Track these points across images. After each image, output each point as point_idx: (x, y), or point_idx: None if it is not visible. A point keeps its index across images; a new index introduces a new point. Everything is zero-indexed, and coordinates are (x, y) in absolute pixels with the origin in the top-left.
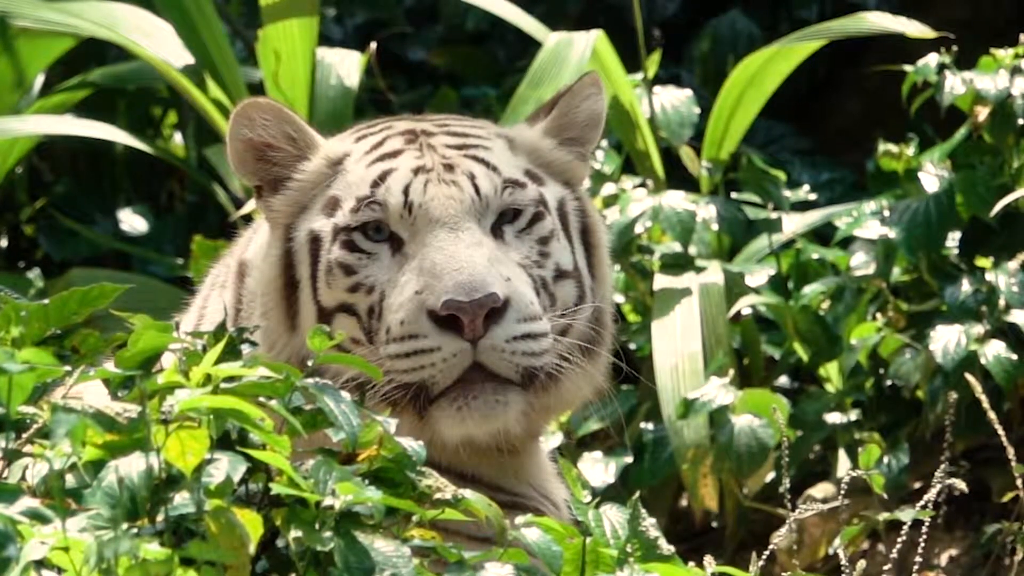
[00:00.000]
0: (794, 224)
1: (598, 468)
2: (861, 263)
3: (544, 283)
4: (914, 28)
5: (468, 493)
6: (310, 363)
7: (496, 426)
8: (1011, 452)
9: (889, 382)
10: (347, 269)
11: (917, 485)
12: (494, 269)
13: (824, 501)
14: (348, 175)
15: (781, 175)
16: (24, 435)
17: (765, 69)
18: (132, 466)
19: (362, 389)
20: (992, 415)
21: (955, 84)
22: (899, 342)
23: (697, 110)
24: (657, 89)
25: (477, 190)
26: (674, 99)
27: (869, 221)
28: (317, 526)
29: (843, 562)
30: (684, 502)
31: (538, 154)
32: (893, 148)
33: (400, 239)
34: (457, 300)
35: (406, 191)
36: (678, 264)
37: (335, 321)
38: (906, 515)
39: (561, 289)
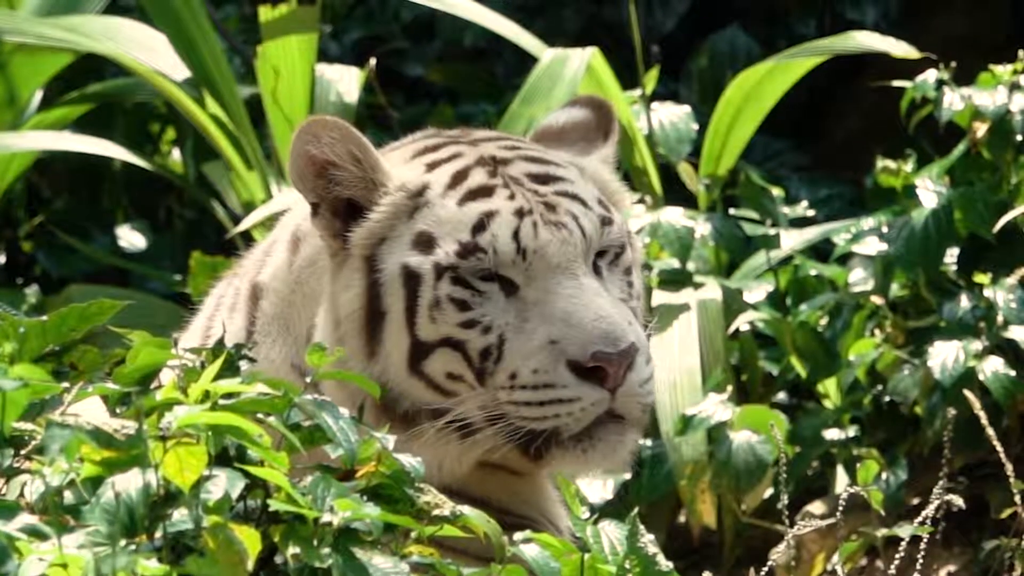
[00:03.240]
0: (792, 240)
1: (596, 484)
2: (859, 279)
3: (635, 315)
4: (900, 48)
5: (467, 509)
6: (308, 379)
7: (616, 465)
8: (1009, 468)
9: (887, 398)
10: (461, 305)
11: (915, 501)
12: (622, 316)
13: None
14: (437, 210)
15: (779, 191)
16: (22, 452)
17: (762, 85)
18: (130, 482)
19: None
20: (990, 431)
21: (954, 100)
22: (897, 358)
23: (695, 126)
24: (655, 105)
25: (583, 231)
26: (672, 115)
27: (867, 237)
28: (315, 542)
29: None
30: (682, 518)
31: (604, 184)
32: (891, 164)
33: (512, 282)
34: (605, 352)
35: (516, 237)
36: (676, 280)
37: (435, 354)
38: (904, 531)
39: (640, 319)
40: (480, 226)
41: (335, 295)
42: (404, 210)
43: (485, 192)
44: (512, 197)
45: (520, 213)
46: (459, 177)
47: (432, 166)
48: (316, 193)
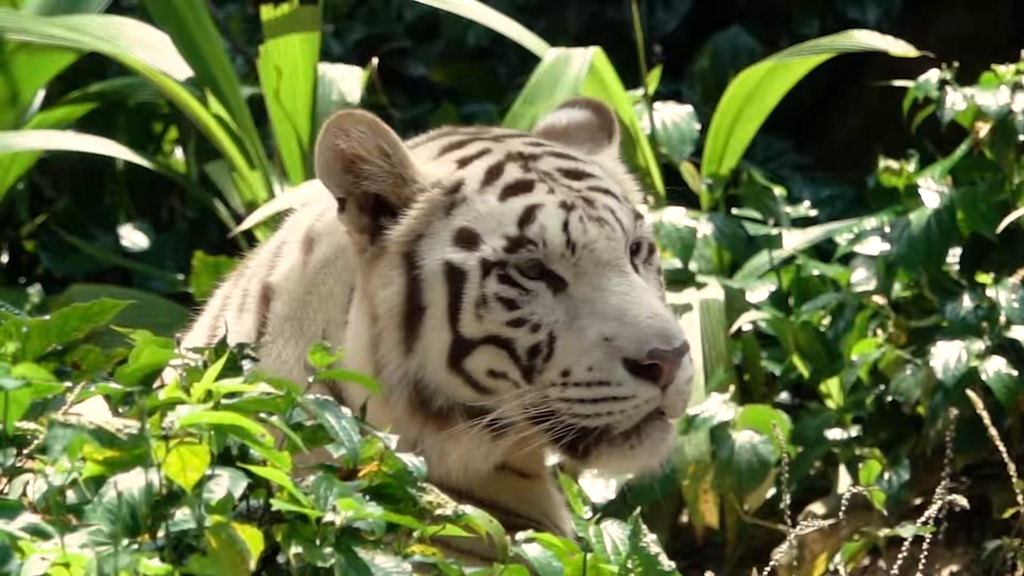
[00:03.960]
0: (795, 240)
1: (599, 484)
2: (862, 279)
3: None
4: (899, 47)
5: (469, 509)
6: (310, 379)
7: (658, 462)
8: (1012, 468)
9: (890, 398)
10: (509, 304)
11: (918, 501)
12: (669, 313)
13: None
14: (477, 206)
15: (782, 191)
16: (25, 451)
17: (763, 85)
18: (133, 482)
19: (538, 426)
20: (993, 431)
21: (956, 100)
22: (900, 358)
23: (697, 126)
24: (657, 105)
25: (622, 227)
26: (674, 115)
27: (870, 237)
28: (318, 542)
29: None
30: (685, 518)
31: (620, 181)
32: (894, 164)
33: (560, 279)
34: (662, 350)
35: (566, 229)
36: (679, 280)
37: (478, 352)
38: (907, 531)
39: None
40: (526, 218)
41: (371, 292)
42: (440, 207)
43: (525, 187)
44: (552, 191)
45: (564, 206)
46: (494, 173)
47: (463, 162)
48: (343, 188)
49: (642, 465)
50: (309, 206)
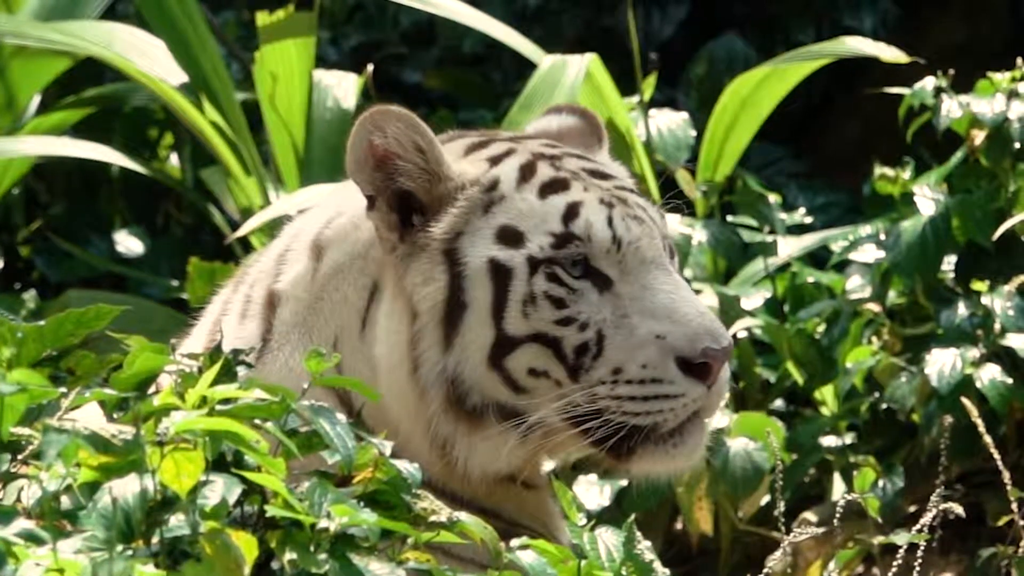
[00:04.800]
0: (790, 247)
1: (593, 491)
2: (857, 286)
3: None
4: (890, 53)
5: (463, 515)
6: (305, 385)
7: (694, 463)
8: (1006, 476)
9: (884, 406)
10: (558, 302)
11: (912, 509)
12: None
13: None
14: (517, 204)
15: (777, 198)
16: (19, 456)
17: (758, 91)
18: (127, 488)
19: (579, 426)
20: (988, 439)
21: (951, 108)
22: (895, 366)
23: (693, 133)
24: (653, 112)
25: (657, 225)
26: (670, 122)
27: (865, 245)
28: (312, 548)
29: None
30: (679, 525)
31: (630, 182)
32: (889, 172)
33: (605, 276)
34: (713, 348)
35: (610, 225)
36: None
37: (521, 350)
38: (901, 539)
39: None
40: (570, 215)
41: (407, 289)
42: (479, 204)
43: (562, 185)
44: (587, 190)
45: (604, 204)
46: (527, 171)
47: (494, 161)
48: (374, 185)
49: (681, 466)
50: (310, 213)
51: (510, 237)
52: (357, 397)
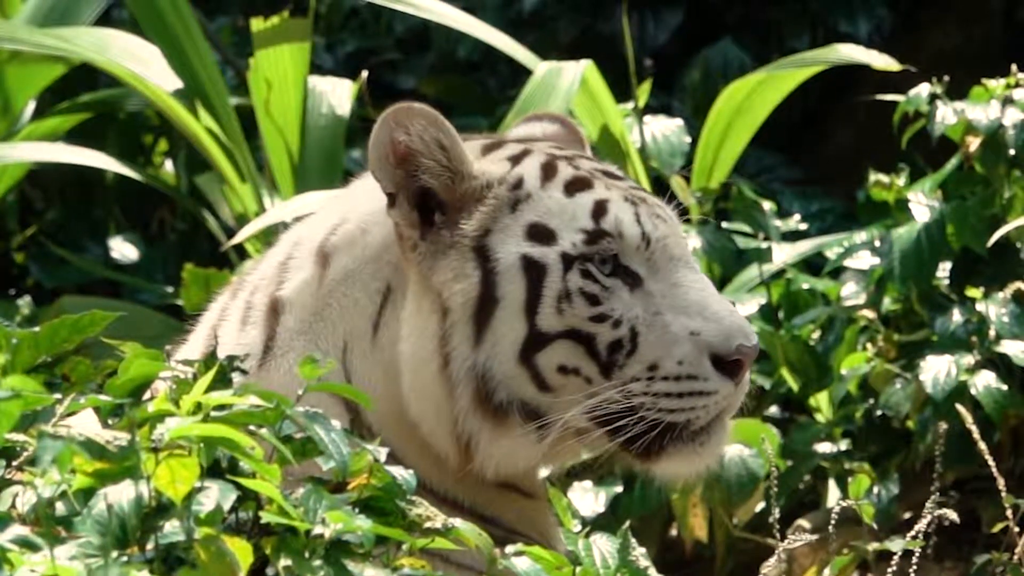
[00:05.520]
0: (784, 254)
1: (588, 498)
2: (852, 293)
3: None
4: (882, 61)
5: (458, 522)
6: (300, 392)
7: (713, 463)
8: (1001, 483)
9: (879, 412)
10: (592, 299)
11: (907, 515)
12: None
13: (814, 531)
14: (545, 202)
15: (772, 205)
16: (14, 463)
17: (752, 98)
18: (122, 494)
19: (611, 425)
20: (982, 446)
21: (946, 114)
22: (889, 372)
23: (688, 139)
24: (648, 118)
25: (676, 223)
26: (665, 128)
27: (860, 251)
28: (307, 555)
29: None
30: (674, 532)
31: None
32: (884, 178)
33: (635, 274)
34: (746, 346)
35: (639, 222)
36: None
37: (553, 346)
38: (896, 545)
39: None
40: (599, 212)
41: (436, 287)
42: (506, 202)
43: (585, 183)
44: (609, 188)
45: (629, 201)
46: (549, 170)
47: (514, 160)
48: (395, 182)
49: (705, 465)
50: (310, 221)
51: (541, 234)
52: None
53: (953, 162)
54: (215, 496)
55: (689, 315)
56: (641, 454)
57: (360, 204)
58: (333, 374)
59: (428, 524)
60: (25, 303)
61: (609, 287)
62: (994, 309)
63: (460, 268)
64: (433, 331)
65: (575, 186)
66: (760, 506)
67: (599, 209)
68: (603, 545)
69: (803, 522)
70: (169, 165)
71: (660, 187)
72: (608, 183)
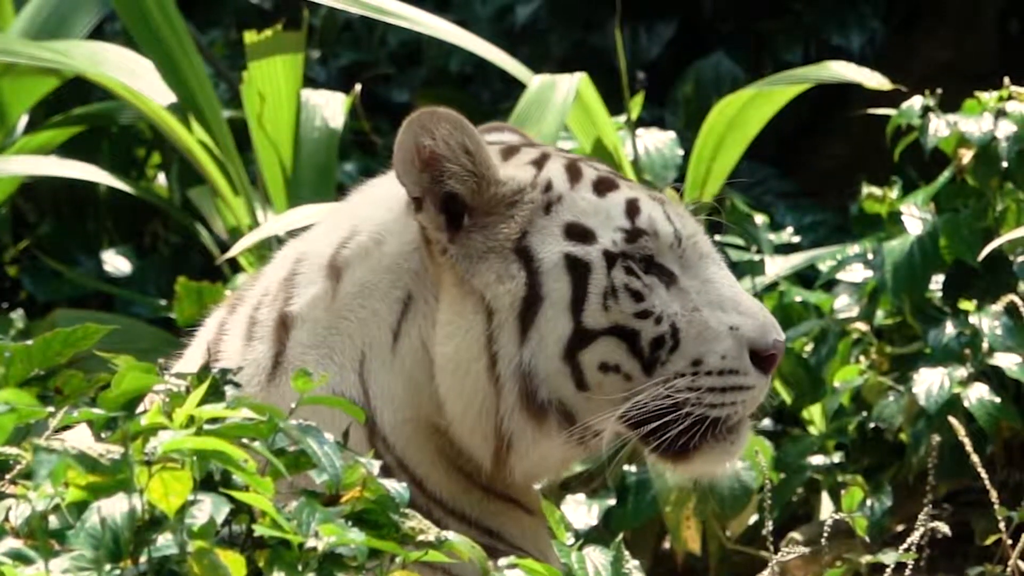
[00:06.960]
0: (777, 266)
1: (581, 510)
2: (844, 306)
3: None
4: (875, 80)
5: (451, 535)
6: (293, 405)
7: (734, 461)
8: (994, 495)
9: (872, 425)
10: (636, 295)
11: (900, 528)
12: None
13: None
14: (577, 202)
15: (765, 218)
16: (8, 476)
17: (745, 112)
18: (115, 507)
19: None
20: (975, 458)
21: (939, 127)
22: (882, 385)
23: (680, 152)
24: (641, 131)
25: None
26: (657, 141)
27: (853, 264)
28: (300, 567)
29: None
30: (667, 544)
31: None
32: (877, 191)
33: (669, 271)
34: (780, 340)
35: (670, 220)
36: None
37: (597, 343)
38: (889, 558)
39: None
40: (632, 210)
41: (482, 288)
42: (539, 204)
43: (612, 184)
44: (632, 188)
45: (656, 200)
46: (574, 171)
47: (537, 164)
48: (420, 187)
49: (732, 463)
50: (313, 236)
51: (579, 234)
52: (382, 412)
53: (946, 175)
54: (208, 509)
55: (725, 310)
56: (675, 454)
57: (369, 216)
58: (349, 385)
59: (421, 537)
60: (18, 316)
61: (648, 284)
62: (987, 322)
63: (504, 270)
64: (479, 331)
65: (603, 186)
66: (753, 518)
67: (632, 208)
68: (596, 558)
69: (796, 535)
70: (162, 178)
71: None
72: (629, 184)
